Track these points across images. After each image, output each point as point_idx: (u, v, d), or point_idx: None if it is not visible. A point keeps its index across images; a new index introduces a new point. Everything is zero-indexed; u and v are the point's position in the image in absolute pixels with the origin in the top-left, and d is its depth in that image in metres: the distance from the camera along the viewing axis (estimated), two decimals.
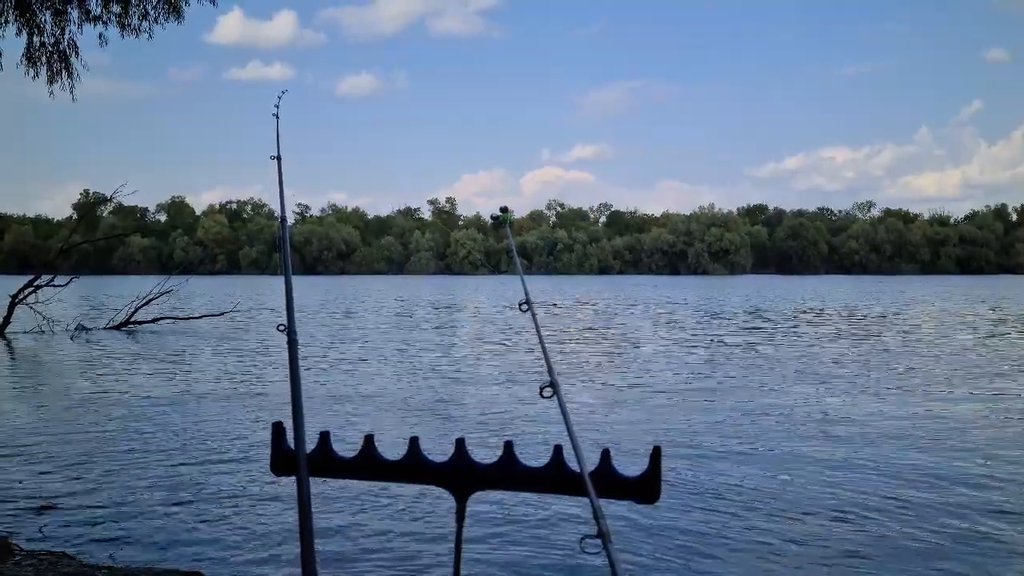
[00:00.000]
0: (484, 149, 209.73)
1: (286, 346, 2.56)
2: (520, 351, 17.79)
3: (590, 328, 24.86)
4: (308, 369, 14.15)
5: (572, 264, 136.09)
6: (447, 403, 10.99)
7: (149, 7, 7.86)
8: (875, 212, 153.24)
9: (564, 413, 2.23)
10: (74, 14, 7.99)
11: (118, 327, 23.54)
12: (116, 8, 7.84)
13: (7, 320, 21.95)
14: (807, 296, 49.83)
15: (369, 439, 2.60)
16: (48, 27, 8.03)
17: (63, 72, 8.18)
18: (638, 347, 18.81)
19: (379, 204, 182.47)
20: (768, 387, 12.37)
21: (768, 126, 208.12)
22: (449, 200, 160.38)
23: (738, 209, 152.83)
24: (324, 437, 2.60)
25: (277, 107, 2.84)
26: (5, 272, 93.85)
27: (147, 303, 24.45)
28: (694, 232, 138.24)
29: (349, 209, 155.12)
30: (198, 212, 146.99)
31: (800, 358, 16.29)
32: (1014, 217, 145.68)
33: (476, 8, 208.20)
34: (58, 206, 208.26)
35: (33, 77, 8.11)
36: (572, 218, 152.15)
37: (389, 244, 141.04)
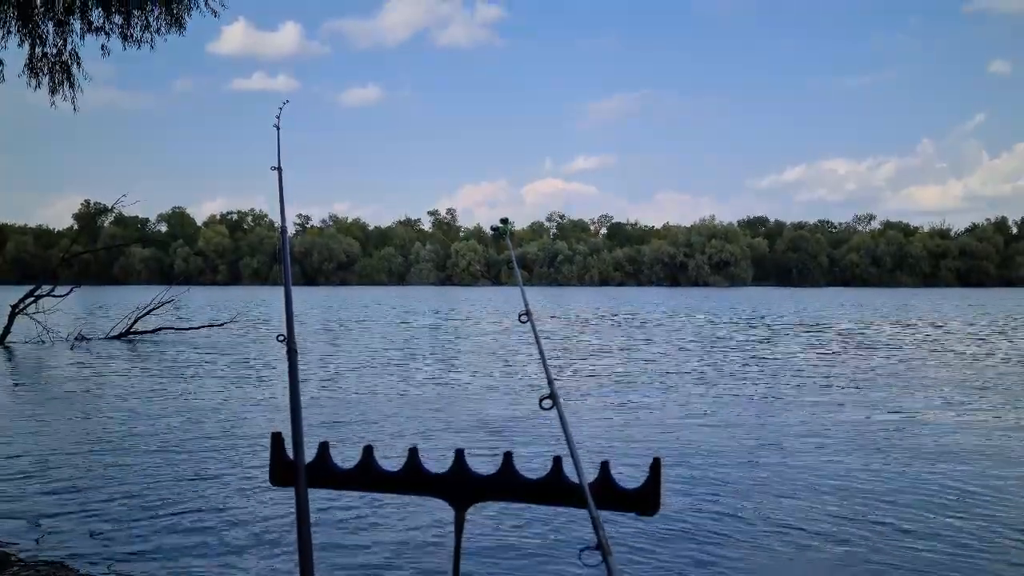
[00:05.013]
0: (486, 159, 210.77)
1: (285, 356, 2.55)
2: (520, 362, 17.77)
3: (590, 339, 24.84)
4: (307, 379, 14.14)
5: (572, 275, 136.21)
6: (446, 414, 10.97)
7: (151, 18, 7.90)
8: (875, 224, 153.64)
9: (564, 424, 2.22)
10: (76, 25, 8.03)
11: (118, 337, 23.54)
12: (118, 19, 7.88)
13: (7, 330, 21.94)
14: (809, 308, 49.81)
15: (368, 450, 2.59)
16: (50, 38, 8.07)
17: (65, 83, 8.22)
18: (639, 359, 18.79)
19: (381, 215, 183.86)
20: (771, 399, 12.35)
21: (769, 137, 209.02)
22: (449, 211, 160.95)
23: (739, 221, 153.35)
24: (323, 447, 2.60)
25: (278, 118, 2.86)
26: (6, 282, 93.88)
27: (148, 313, 24.50)
28: (694, 244, 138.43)
29: (350, 220, 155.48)
30: (199, 222, 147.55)
31: (803, 370, 16.27)
32: (1015, 230, 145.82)
33: (480, 20, 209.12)
34: (59, 216, 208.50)
35: (35, 88, 8.15)
36: (573, 229, 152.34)
37: (389, 255, 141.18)
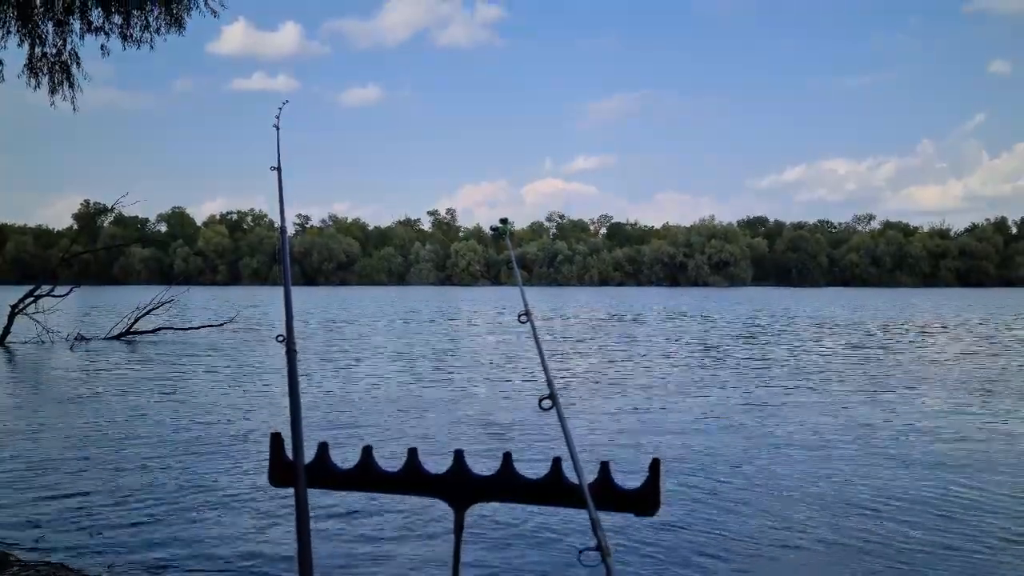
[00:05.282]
0: (486, 159, 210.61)
1: (285, 357, 2.55)
2: (519, 362, 17.77)
3: (590, 340, 24.84)
4: (307, 380, 14.14)
5: (572, 275, 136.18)
6: (446, 414, 10.97)
7: (151, 18, 7.89)
8: (875, 224, 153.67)
9: (563, 425, 2.22)
10: (76, 25, 8.01)
11: (118, 337, 23.54)
12: (118, 19, 7.87)
13: (7, 330, 21.94)
14: (808, 309, 49.81)
15: (368, 450, 2.59)
16: (50, 37, 8.06)
17: (65, 83, 8.21)
18: (638, 359, 18.79)
19: (380, 215, 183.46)
20: (770, 400, 12.35)
21: (769, 137, 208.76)
22: (449, 211, 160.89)
23: (738, 221, 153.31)
24: (323, 448, 2.59)
25: (278, 118, 2.85)
26: (6, 282, 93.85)
27: (147, 313, 24.51)
28: (694, 244, 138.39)
29: (350, 220, 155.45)
30: (199, 222, 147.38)
31: (802, 371, 16.27)
32: (1014, 230, 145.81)
33: (480, 20, 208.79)
34: (59, 216, 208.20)
35: (35, 88, 8.14)
36: (572, 229, 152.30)
37: (389, 255, 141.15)
